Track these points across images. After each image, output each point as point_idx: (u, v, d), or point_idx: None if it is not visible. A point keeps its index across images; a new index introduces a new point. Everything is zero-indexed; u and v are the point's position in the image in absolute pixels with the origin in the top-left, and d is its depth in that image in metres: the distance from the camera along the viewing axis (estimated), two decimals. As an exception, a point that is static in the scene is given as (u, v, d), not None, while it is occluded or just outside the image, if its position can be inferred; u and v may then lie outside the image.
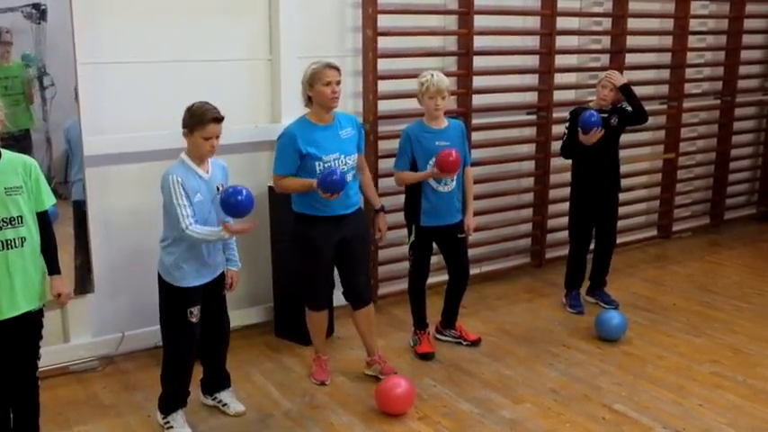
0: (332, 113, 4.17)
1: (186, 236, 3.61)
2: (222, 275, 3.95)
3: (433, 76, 4.49)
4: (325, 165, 4.07)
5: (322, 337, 4.55)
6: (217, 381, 4.15)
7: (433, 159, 4.46)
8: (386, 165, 5.18)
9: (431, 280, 4.99)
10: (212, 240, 3.69)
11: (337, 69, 4.11)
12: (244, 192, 3.56)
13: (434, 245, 4.80)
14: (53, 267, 3.45)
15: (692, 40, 7.16)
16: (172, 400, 3.91)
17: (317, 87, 4.05)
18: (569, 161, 5.49)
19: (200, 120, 3.60)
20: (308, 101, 4.14)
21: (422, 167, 4.55)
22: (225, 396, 4.14)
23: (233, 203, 3.55)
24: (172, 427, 3.88)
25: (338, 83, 4.09)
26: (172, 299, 3.78)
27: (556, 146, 6.37)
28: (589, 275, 5.70)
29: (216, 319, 3.99)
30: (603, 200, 5.44)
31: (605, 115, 5.21)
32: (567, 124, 5.31)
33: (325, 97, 4.05)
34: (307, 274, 4.34)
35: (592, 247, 5.66)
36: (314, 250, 4.23)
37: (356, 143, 4.27)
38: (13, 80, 4.23)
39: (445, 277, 4.99)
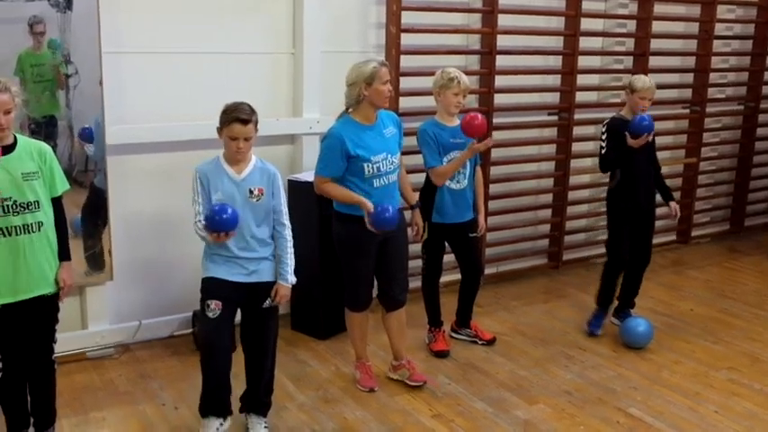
0: (376, 112, 4.09)
1: (196, 232, 3.60)
2: (263, 287, 3.70)
3: (459, 73, 4.48)
4: (375, 166, 3.98)
5: (364, 341, 4.43)
6: (251, 401, 3.86)
7: (451, 154, 4.49)
8: (407, 161, 5.17)
9: (447, 278, 4.99)
10: (207, 241, 3.60)
11: (388, 67, 4.06)
12: (229, 210, 3.47)
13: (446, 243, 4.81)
14: (63, 253, 3.46)
15: (717, 45, 7.11)
16: (204, 400, 3.75)
17: (376, 86, 3.94)
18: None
19: (226, 118, 3.53)
20: (357, 100, 4.02)
21: (437, 165, 4.55)
22: (252, 420, 3.83)
23: (217, 221, 3.45)
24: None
25: (390, 81, 4.05)
26: (201, 288, 3.71)
27: (576, 147, 6.38)
28: (618, 293, 5.35)
29: (254, 333, 3.75)
30: (642, 215, 5.13)
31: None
32: (605, 137, 4.98)
33: (383, 96, 3.98)
34: (350, 274, 4.23)
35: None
36: (360, 250, 4.14)
37: (398, 141, 4.19)
38: (42, 67, 4.26)
39: (459, 276, 4.99)
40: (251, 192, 3.63)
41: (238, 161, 3.62)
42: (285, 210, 3.75)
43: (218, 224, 3.46)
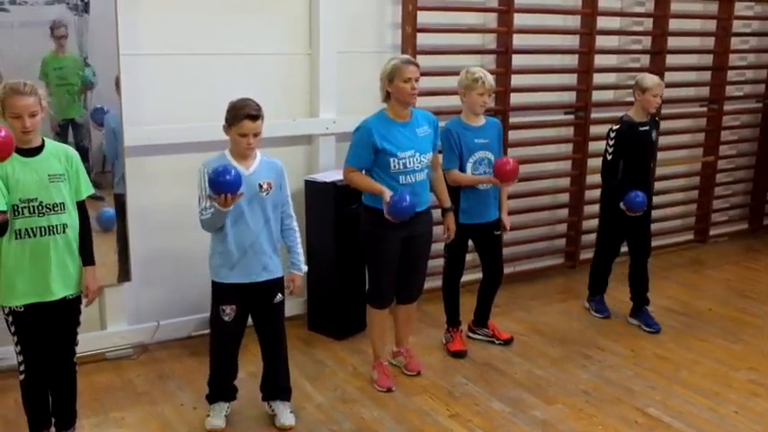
0: (409, 110, 4.14)
1: (202, 224, 3.63)
2: (273, 283, 3.80)
3: (484, 73, 4.48)
4: (401, 162, 4.03)
5: (383, 340, 4.46)
6: (273, 389, 3.99)
7: (477, 155, 4.53)
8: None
9: (464, 278, 4.98)
10: (217, 219, 3.56)
11: (417, 65, 4.10)
12: (232, 171, 3.45)
13: (469, 242, 4.80)
14: (87, 257, 3.48)
15: (735, 42, 7.06)
16: (213, 391, 3.94)
17: (397, 83, 4.01)
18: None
19: (235, 115, 3.57)
20: (387, 96, 4.10)
21: (463, 165, 4.55)
22: (278, 406, 3.96)
23: (221, 182, 3.42)
24: (209, 416, 3.92)
25: (417, 79, 4.06)
26: (212, 291, 3.80)
27: (593, 146, 6.34)
28: (630, 295, 5.41)
29: (267, 328, 3.88)
30: (634, 216, 5.15)
31: (646, 128, 5.05)
32: (612, 142, 5.01)
33: (405, 93, 4.03)
34: (374, 269, 4.30)
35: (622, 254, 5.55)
36: (382, 245, 4.19)
37: (432, 141, 4.21)
38: (64, 70, 4.30)
39: (479, 275, 4.98)
40: (260, 186, 3.67)
41: (246, 157, 3.67)
42: (291, 201, 3.87)
43: (223, 185, 3.43)
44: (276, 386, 3.98)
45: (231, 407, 4.00)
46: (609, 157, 5.07)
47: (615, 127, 5.07)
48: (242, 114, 3.55)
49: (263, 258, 3.73)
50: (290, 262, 3.87)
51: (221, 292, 3.76)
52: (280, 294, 3.84)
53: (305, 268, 3.92)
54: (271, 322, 3.88)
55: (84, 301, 3.51)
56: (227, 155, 3.69)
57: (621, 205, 5.00)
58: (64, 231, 3.34)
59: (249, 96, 3.69)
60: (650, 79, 5.01)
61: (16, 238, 3.26)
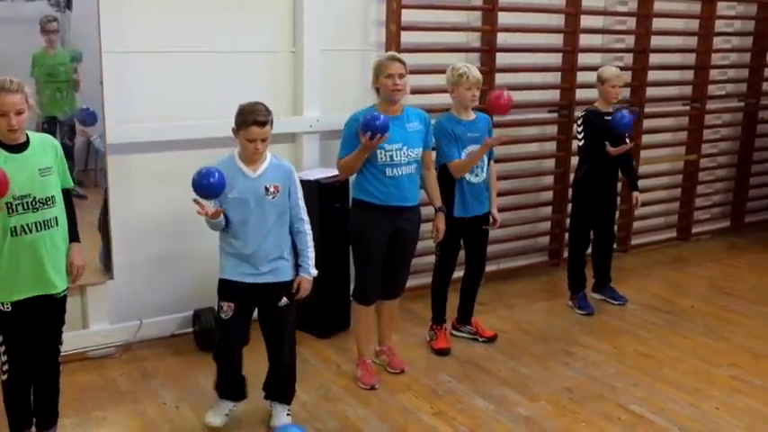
0: (400, 106, 4.20)
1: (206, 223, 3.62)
2: (278, 287, 3.73)
3: (468, 68, 4.51)
4: (388, 154, 4.08)
5: (368, 338, 4.48)
6: (272, 390, 3.94)
7: (469, 148, 4.52)
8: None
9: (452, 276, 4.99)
10: (212, 224, 3.58)
11: (401, 62, 4.15)
12: (216, 174, 3.41)
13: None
14: (72, 235, 3.46)
15: (717, 42, 7.11)
16: (218, 386, 3.90)
17: (381, 79, 4.11)
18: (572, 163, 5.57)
19: (243, 120, 3.53)
20: (377, 91, 4.19)
21: (456, 158, 4.54)
22: (276, 407, 3.93)
23: (204, 185, 3.40)
24: (212, 408, 3.90)
25: (401, 76, 4.11)
26: (218, 287, 3.76)
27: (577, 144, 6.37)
28: (593, 274, 5.73)
29: (270, 330, 3.82)
30: (603, 204, 5.50)
31: (610, 119, 5.26)
32: (581, 128, 5.30)
33: (387, 89, 4.10)
34: (361, 264, 4.31)
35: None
36: (369, 241, 4.21)
37: (423, 138, 4.25)
38: (57, 68, 4.28)
39: (461, 273, 4.98)
40: (267, 189, 3.63)
41: (255, 160, 3.64)
42: (303, 205, 3.79)
43: (204, 189, 3.41)
44: (276, 389, 3.94)
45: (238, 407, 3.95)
46: (582, 142, 5.33)
47: (581, 114, 5.36)
48: (250, 120, 3.52)
49: (267, 261, 3.67)
50: (298, 265, 3.78)
51: (222, 289, 3.73)
52: (285, 299, 3.75)
53: (314, 272, 3.78)
54: (274, 325, 3.80)
55: (68, 278, 3.46)
56: (235, 157, 3.65)
57: (608, 147, 5.16)
58: (56, 225, 3.33)
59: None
60: (609, 71, 5.31)
61: (12, 236, 3.22)
